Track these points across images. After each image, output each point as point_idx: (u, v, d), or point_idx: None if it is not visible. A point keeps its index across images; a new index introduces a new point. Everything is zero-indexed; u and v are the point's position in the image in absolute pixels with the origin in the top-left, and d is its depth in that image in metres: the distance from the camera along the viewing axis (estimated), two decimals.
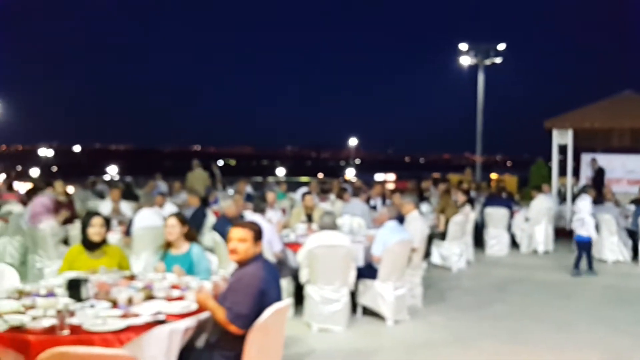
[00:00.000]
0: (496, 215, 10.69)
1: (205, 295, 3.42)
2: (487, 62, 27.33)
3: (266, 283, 3.35)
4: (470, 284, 8.24)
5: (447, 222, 9.23)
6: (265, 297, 3.31)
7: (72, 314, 3.22)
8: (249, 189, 15.79)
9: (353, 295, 6.02)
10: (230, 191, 15.48)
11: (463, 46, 27.48)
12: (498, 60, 27.30)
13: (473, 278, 8.63)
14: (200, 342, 3.51)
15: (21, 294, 3.78)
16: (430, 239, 8.53)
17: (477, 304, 7.01)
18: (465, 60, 27.65)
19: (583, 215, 8.58)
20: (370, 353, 5.21)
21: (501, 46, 27.09)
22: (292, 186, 17.98)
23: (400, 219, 6.56)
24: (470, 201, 10.59)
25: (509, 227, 10.89)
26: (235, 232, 3.51)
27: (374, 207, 10.15)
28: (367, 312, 6.14)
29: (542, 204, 11.05)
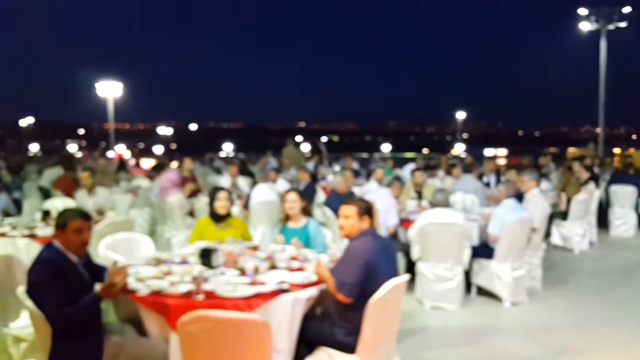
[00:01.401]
0: (622, 193, 9.94)
1: (322, 267, 3.55)
2: (610, 27, 25.13)
3: (373, 255, 3.41)
4: (593, 266, 7.78)
5: (568, 200, 8.73)
6: (373, 269, 3.37)
7: (205, 280, 3.49)
8: (355, 165, 15.95)
9: (467, 274, 5.92)
10: (337, 167, 15.72)
11: (582, 11, 25.46)
12: (623, 24, 24.97)
13: (596, 260, 8.13)
14: (321, 313, 3.66)
15: (158, 261, 4.14)
16: (551, 218, 8.13)
17: (600, 287, 6.62)
18: (585, 26, 25.61)
19: None
20: (486, 332, 5.12)
21: (626, 9, 24.75)
22: (398, 162, 17.85)
23: (519, 196, 6.30)
24: (594, 178, 9.93)
25: (637, 207, 10.08)
26: (342, 210, 3.69)
27: (487, 184, 9.82)
28: (482, 292, 6.02)
29: None
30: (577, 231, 8.56)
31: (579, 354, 4.66)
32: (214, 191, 4.93)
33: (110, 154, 27.09)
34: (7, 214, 6.45)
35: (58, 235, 3.26)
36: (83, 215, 3.31)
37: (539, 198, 6.66)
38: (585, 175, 9.68)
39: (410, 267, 6.00)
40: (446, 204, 5.81)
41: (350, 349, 3.32)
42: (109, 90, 31.20)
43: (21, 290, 3.23)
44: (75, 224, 3.24)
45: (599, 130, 27.89)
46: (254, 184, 8.74)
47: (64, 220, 3.26)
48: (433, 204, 5.88)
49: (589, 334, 5.07)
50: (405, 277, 3.42)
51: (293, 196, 4.79)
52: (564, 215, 8.71)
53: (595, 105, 26.92)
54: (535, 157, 14.78)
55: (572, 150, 24.06)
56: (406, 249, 6.07)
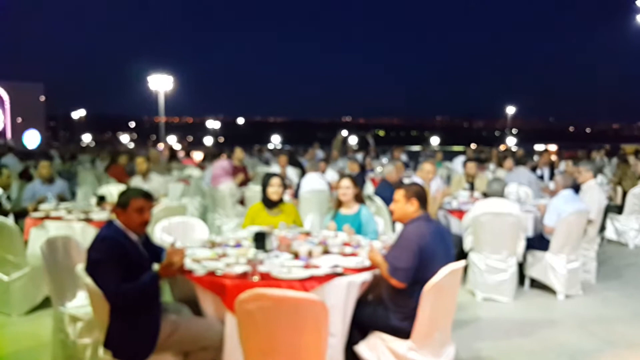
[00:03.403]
0: None
1: (375, 253, 3.53)
2: None
3: (427, 240, 3.35)
4: None
5: (624, 194, 8.41)
6: (427, 254, 3.31)
7: (260, 262, 3.52)
8: (403, 157, 15.82)
9: (520, 266, 5.78)
10: (384, 159, 15.63)
11: (639, 3, 24.27)
12: None
13: None
14: (374, 298, 3.64)
15: (213, 244, 4.21)
16: (606, 212, 7.84)
17: None
18: None
19: None
20: (540, 325, 4.99)
21: None
22: (447, 156, 17.61)
23: (576, 188, 6.09)
24: None
25: None
26: (394, 195, 3.65)
27: (541, 177, 9.56)
28: (536, 284, 5.87)
29: None
30: (633, 225, 8.25)
31: (635, 346, 4.54)
32: (267, 177, 4.96)
33: (160, 146, 27.77)
34: (62, 199, 6.69)
35: (119, 214, 3.30)
36: (145, 195, 3.36)
37: (595, 190, 6.44)
38: None
39: (461, 259, 5.89)
40: (501, 194, 5.68)
41: (405, 334, 3.29)
42: (160, 83, 31.99)
43: (80, 267, 3.29)
44: (138, 202, 3.29)
45: None
46: (302, 174, 8.80)
47: (126, 199, 3.31)
48: (488, 194, 5.76)
49: None
50: (461, 263, 3.35)
51: (347, 182, 4.78)
52: (619, 209, 8.41)
53: None
54: (589, 152, 14.29)
55: (625, 146, 23.12)
56: (457, 240, 5.96)
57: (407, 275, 3.30)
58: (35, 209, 6.08)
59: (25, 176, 10.32)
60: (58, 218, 5.66)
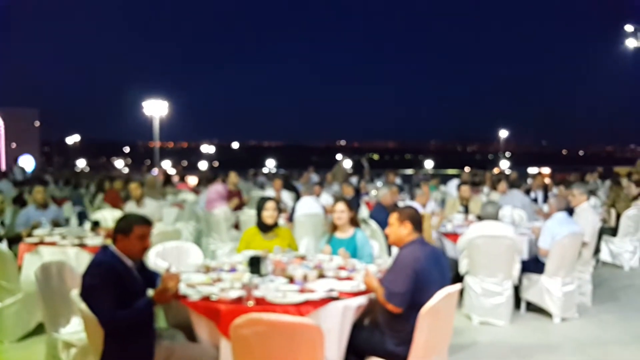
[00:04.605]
0: None
1: (370, 277, 3.53)
2: None
3: (422, 264, 3.34)
4: None
5: (618, 216, 8.46)
6: (422, 277, 3.31)
7: (255, 287, 3.51)
8: (398, 180, 15.86)
9: (516, 289, 5.77)
10: (379, 183, 15.68)
11: (628, 27, 24.84)
12: None
13: None
14: (370, 322, 3.63)
15: (208, 268, 4.19)
16: (600, 234, 7.88)
17: None
18: (631, 43, 24.97)
19: None
20: (537, 348, 4.97)
21: None
22: (441, 179, 17.68)
23: (569, 210, 6.13)
24: None
25: None
26: (388, 218, 3.68)
27: (535, 200, 9.61)
28: (532, 308, 5.86)
29: None
30: (627, 247, 8.28)
31: None
32: (262, 201, 4.97)
33: (154, 171, 27.76)
34: (56, 224, 6.67)
35: (119, 240, 3.28)
36: (147, 222, 3.37)
37: (589, 212, 6.48)
38: (635, 190, 9.37)
39: (457, 282, 5.88)
40: (496, 217, 5.70)
41: (401, 359, 3.27)
42: (155, 108, 32.14)
43: (75, 293, 3.27)
44: (141, 230, 3.29)
45: None
46: (297, 198, 8.81)
47: (128, 225, 3.29)
48: (482, 217, 5.78)
49: None
50: (457, 287, 3.35)
51: (341, 206, 4.79)
52: (613, 232, 8.44)
53: None
54: (582, 174, 14.39)
55: (618, 169, 23.33)
56: (453, 264, 5.96)
57: (404, 299, 3.29)
58: (29, 235, 6.06)
59: (20, 201, 10.28)
60: (52, 243, 5.64)
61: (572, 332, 5.40)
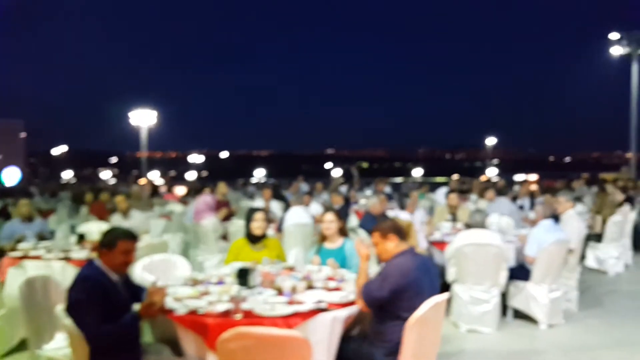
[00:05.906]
0: None
1: (362, 244, 3.59)
2: None
3: (408, 277, 3.33)
4: (629, 288, 7.63)
5: (603, 222, 8.54)
6: (411, 289, 3.30)
7: (243, 299, 3.48)
8: (387, 189, 15.92)
9: (503, 296, 5.80)
10: (368, 192, 15.71)
11: (614, 35, 25.27)
12: None
13: (633, 282, 7.98)
14: (359, 333, 3.62)
15: (195, 281, 4.16)
16: (586, 240, 7.96)
17: (638, 308, 6.49)
18: (617, 50, 25.40)
19: None
20: (525, 355, 5.00)
21: None
22: (429, 187, 17.78)
23: (556, 217, 6.19)
24: (630, 200, 9.69)
25: None
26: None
27: (521, 207, 9.68)
28: (519, 315, 5.88)
29: None
30: (612, 253, 8.37)
31: None
32: (251, 212, 4.95)
33: (141, 181, 27.60)
34: (41, 238, 6.59)
35: (103, 254, 3.26)
36: (132, 237, 3.34)
37: (575, 219, 6.55)
38: (620, 197, 9.48)
39: (444, 290, 5.89)
40: (483, 225, 5.74)
41: None
42: (143, 118, 31.95)
43: (60, 308, 3.23)
44: (125, 245, 3.26)
45: (630, 155, 27.46)
46: (286, 208, 8.80)
47: (112, 240, 3.26)
48: (470, 225, 5.81)
49: (628, 355, 4.98)
50: (445, 296, 3.36)
51: (330, 217, 4.79)
52: (598, 238, 8.53)
53: (626, 130, 26.67)
54: (569, 181, 14.53)
55: (604, 175, 23.65)
56: (440, 271, 5.97)
57: (373, 303, 3.35)
58: (13, 249, 5.97)
59: (3, 214, 10.17)
60: (37, 257, 5.57)
61: (559, 338, 5.44)
